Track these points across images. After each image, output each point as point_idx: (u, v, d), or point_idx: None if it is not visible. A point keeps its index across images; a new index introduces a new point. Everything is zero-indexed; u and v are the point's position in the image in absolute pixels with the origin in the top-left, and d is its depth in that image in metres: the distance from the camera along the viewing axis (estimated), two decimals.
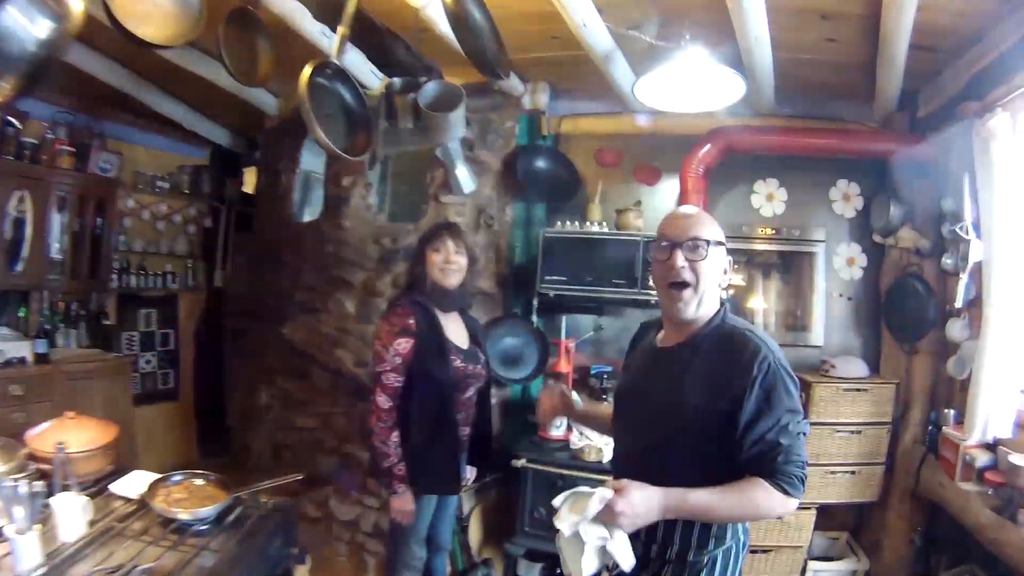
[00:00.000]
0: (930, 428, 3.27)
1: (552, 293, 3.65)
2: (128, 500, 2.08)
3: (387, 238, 3.93)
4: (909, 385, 3.53)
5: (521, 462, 3.32)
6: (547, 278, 3.66)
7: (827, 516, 3.60)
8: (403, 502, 2.47)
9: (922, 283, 3.44)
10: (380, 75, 3.17)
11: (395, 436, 2.44)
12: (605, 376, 3.71)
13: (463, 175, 3.36)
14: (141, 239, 5.11)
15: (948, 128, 3.20)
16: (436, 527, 2.74)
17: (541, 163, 3.98)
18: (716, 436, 1.51)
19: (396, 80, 2.77)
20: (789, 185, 3.98)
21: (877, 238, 3.76)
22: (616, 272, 3.57)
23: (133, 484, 2.15)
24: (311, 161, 3.15)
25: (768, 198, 3.99)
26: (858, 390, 3.47)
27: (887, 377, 3.63)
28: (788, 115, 3.85)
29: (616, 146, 4.15)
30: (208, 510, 1.95)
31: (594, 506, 1.44)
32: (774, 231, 3.95)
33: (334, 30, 2.65)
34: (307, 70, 2.37)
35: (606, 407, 1.99)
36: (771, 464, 1.45)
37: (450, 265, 2.58)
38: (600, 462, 3.23)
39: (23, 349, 4.04)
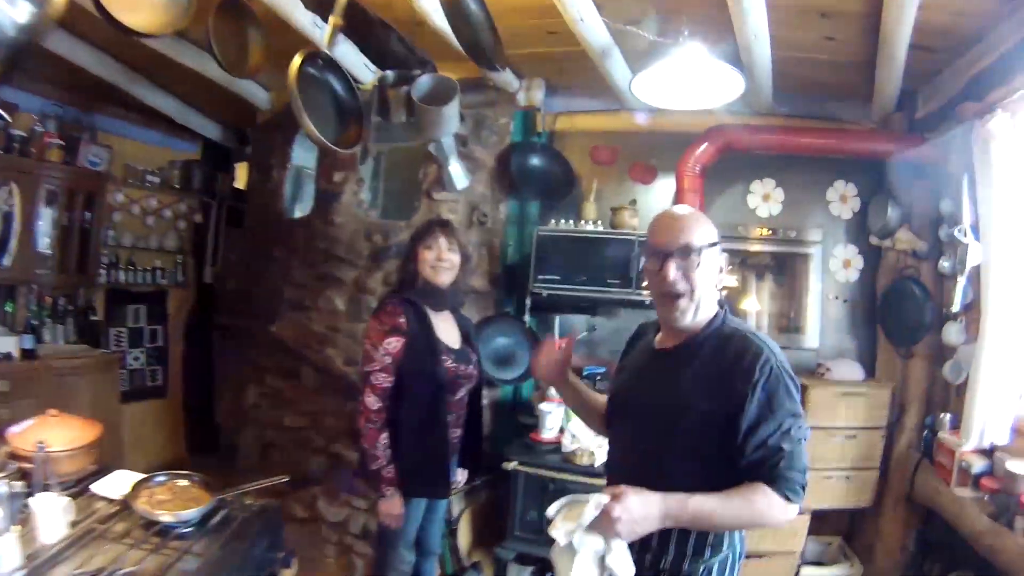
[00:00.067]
0: (925, 433, 3.23)
1: (545, 293, 3.61)
2: (111, 501, 2.03)
3: (378, 235, 3.89)
4: (904, 389, 3.51)
5: (512, 465, 3.27)
6: (540, 277, 3.62)
7: (820, 521, 3.57)
8: (391, 506, 2.42)
9: (919, 286, 3.42)
10: (373, 68, 3.12)
11: (384, 438, 2.38)
12: (599, 377, 3.67)
13: (456, 171, 3.32)
14: (130, 234, 5.05)
15: (947, 129, 3.17)
16: (425, 530, 2.69)
17: (536, 160, 3.94)
18: (716, 440, 1.47)
19: (389, 73, 2.73)
20: (786, 185, 3.96)
21: (874, 240, 3.74)
22: (611, 272, 3.53)
23: (116, 484, 2.09)
24: (303, 156, 3.12)
25: (764, 198, 3.97)
26: (854, 394, 3.44)
27: (882, 381, 3.61)
28: (785, 114, 3.82)
29: (612, 144, 4.12)
30: (191, 512, 1.90)
31: (589, 513, 1.39)
32: (770, 231, 3.93)
33: (326, 20, 2.60)
34: (297, 60, 2.32)
35: (599, 396, 1.93)
36: (773, 470, 1.41)
37: (442, 263, 2.52)
38: (592, 465, 3.18)
39: (9, 345, 3.99)
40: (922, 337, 3.39)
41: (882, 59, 3.02)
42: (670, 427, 1.52)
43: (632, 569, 1.42)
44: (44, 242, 4.26)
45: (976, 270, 2.95)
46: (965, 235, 3.00)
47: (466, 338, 2.68)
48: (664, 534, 1.48)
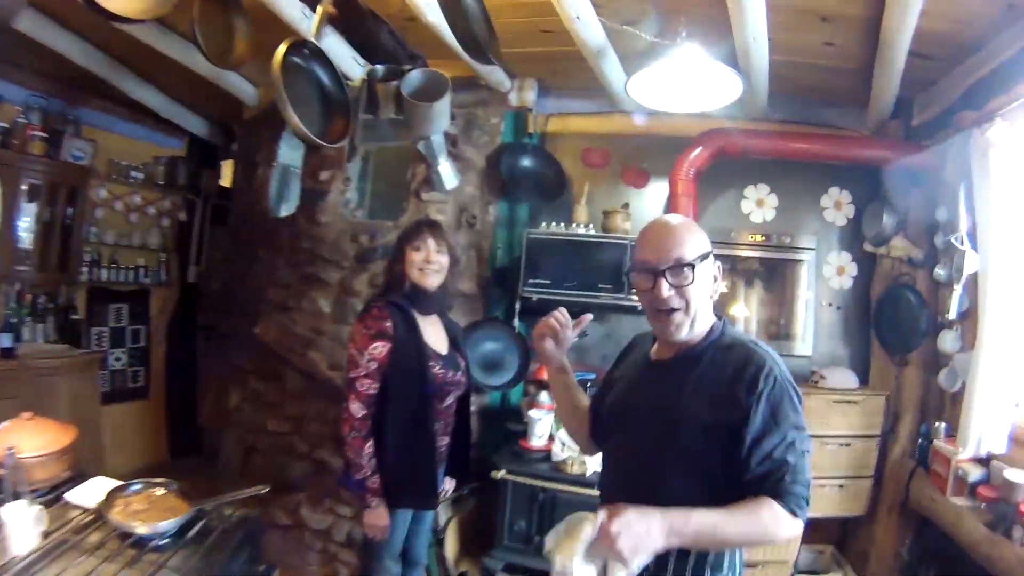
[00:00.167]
0: (920, 441, 3.22)
1: (535, 297, 3.56)
2: (86, 510, 1.95)
3: (365, 235, 3.82)
4: (898, 397, 3.49)
5: (501, 473, 3.22)
6: (530, 281, 3.57)
7: (813, 529, 3.52)
8: (377, 517, 2.34)
9: (914, 293, 3.41)
10: (362, 63, 3.05)
11: (369, 447, 2.30)
12: (588, 383, 3.60)
13: (446, 171, 3.26)
14: (113, 231, 4.96)
15: (946, 137, 3.17)
16: (411, 541, 2.61)
17: (527, 162, 3.90)
18: (718, 453, 1.41)
19: (378, 67, 2.66)
20: (780, 191, 3.94)
21: (868, 247, 3.72)
22: (602, 276, 3.50)
23: (92, 492, 2.01)
24: (289, 154, 3.04)
25: (758, 204, 3.94)
26: (848, 402, 3.43)
27: (877, 389, 3.59)
28: (779, 119, 3.80)
29: (604, 147, 4.08)
30: (168, 524, 1.82)
31: (587, 533, 1.31)
32: (764, 237, 3.89)
33: (314, 10, 2.53)
34: (282, 48, 2.24)
35: (586, 400, 1.86)
36: (779, 484, 1.36)
37: (430, 265, 2.45)
38: (584, 475, 3.13)
39: None
40: (918, 345, 3.38)
41: (880, 65, 3.01)
42: (670, 440, 1.46)
43: None
44: (25, 238, 4.18)
45: (972, 278, 2.94)
46: (962, 243, 2.99)
47: (454, 343, 2.61)
48: (662, 556, 1.42)
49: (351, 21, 2.71)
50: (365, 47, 2.94)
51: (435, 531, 3.21)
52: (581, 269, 3.52)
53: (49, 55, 3.64)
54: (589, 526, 1.31)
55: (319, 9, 2.45)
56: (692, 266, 1.48)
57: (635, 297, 3.41)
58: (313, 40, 2.44)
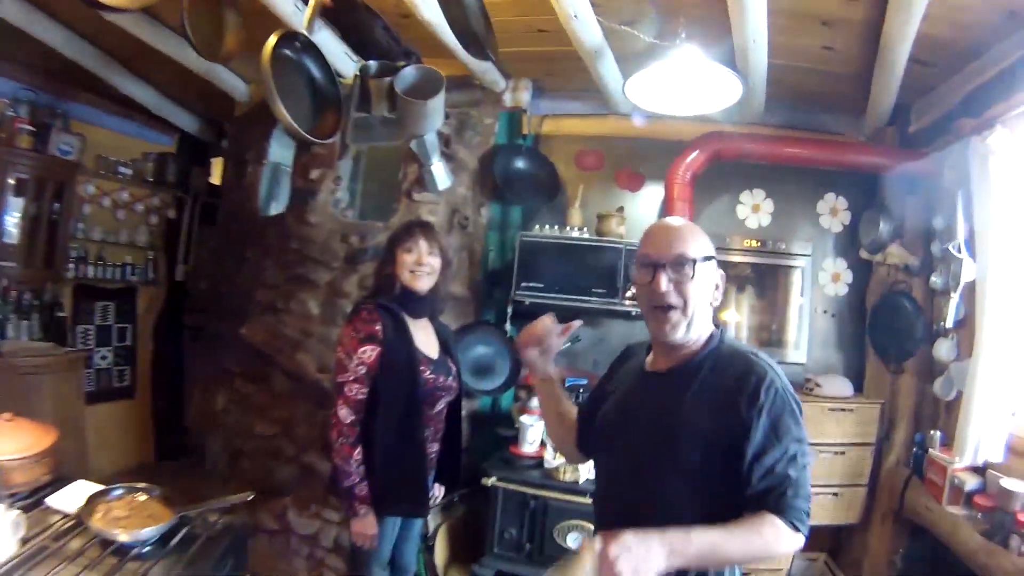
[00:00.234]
0: (915, 450, 3.20)
1: (528, 301, 3.52)
2: (66, 515, 1.88)
3: (355, 236, 3.76)
4: (893, 405, 3.48)
5: (491, 480, 3.17)
6: (523, 284, 3.53)
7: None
8: (365, 525, 2.28)
9: (910, 301, 3.39)
10: (355, 59, 2.99)
11: (357, 453, 2.24)
12: (580, 389, 3.56)
13: (439, 171, 3.22)
14: (100, 228, 4.87)
15: (944, 144, 3.16)
16: (400, 548, 2.55)
17: (520, 163, 3.87)
18: (718, 467, 1.37)
19: (372, 63, 2.60)
20: (776, 197, 3.93)
21: (864, 254, 3.71)
22: (596, 280, 3.47)
23: (73, 496, 1.94)
24: (280, 152, 2.99)
25: (754, 209, 3.93)
26: (843, 410, 3.41)
27: (871, 396, 3.58)
28: (775, 124, 3.79)
29: (598, 149, 4.05)
30: (150, 531, 1.77)
31: (586, 561, 1.25)
32: (759, 243, 3.86)
33: (307, 3, 2.47)
34: (272, 39, 2.19)
35: (574, 409, 1.82)
36: (781, 499, 1.33)
37: (422, 267, 2.39)
38: (576, 482, 3.09)
39: None
40: (913, 353, 3.36)
41: (880, 71, 3.00)
42: (669, 454, 1.42)
43: None
44: (10, 233, 4.11)
45: (969, 286, 2.92)
46: (959, 251, 2.97)
47: (445, 347, 2.55)
48: None
49: (345, 14, 2.65)
50: (358, 42, 2.88)
51: (424, 538, 3.17)
52: (574, 273, 3.48)
53: (38, 47, 3.59)
54: (588, 554, 1.25)
55: (312, 0, 2.39)
56: (693, 262, 1.45)
57: (629, 302, 3.39)
58: (305, 32, 2.38)
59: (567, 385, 3.61)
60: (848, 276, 3.84)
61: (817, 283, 3.86)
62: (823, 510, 3.41)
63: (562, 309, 3.47)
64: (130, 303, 5.18)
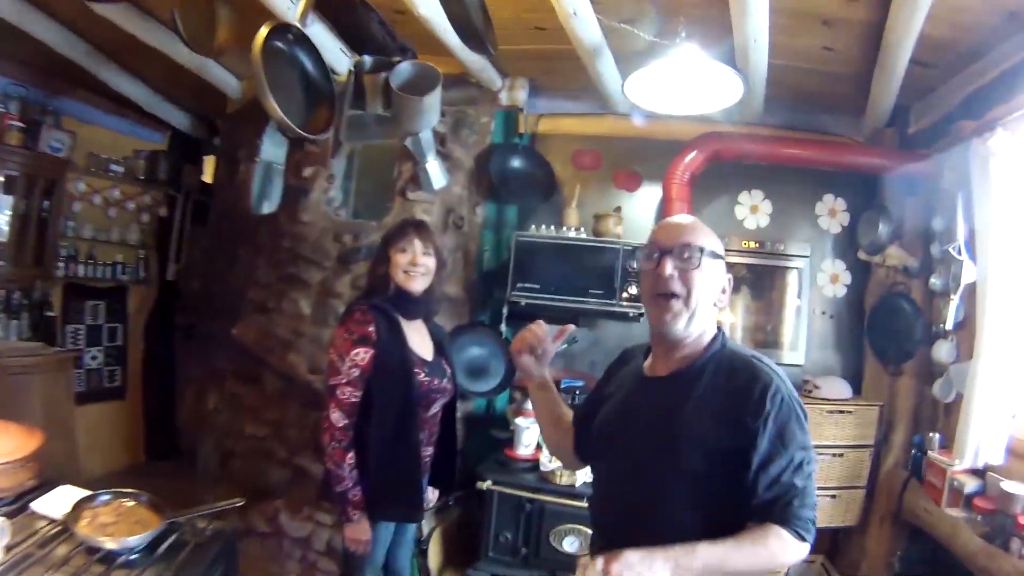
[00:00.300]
0: (914, 452, 3.19)
1: (524, 302, 3.48)
2: (52, 521, 1.84)
3: (348, 235, 3.71)
4: (892, 407, 3.47)
5: (487, 484, 3.13)
6: (519, 285, 3.49)
7: None
8: (359, 531, 2.24)
9: (909, 303, 3.38)
10: (349, 55, 2.95)
11: (351, 458, 2.20)
12: (577, 391, 3.53)
13: (434, 169, 3.18)
14: (91, 226, 4.85)
15: (944, 146, 3.15)
16: (394, 552, 2.51)
17: (516, 163, 3.83)
18: (721, 476, 1.34)
19: (367, 58, 2.56)
20: (774, 197, 3.90)
21: (863, 255, 3.70)
22: (593, 281, 3.43)
23: (60, 501, 1.89)
24: (272, 150, 2.95)
25: (752, 210, 3.90)
26: (842, 412, 3.39)
27: (869, 398, 3.56)
28: (774, 124, 3.77)
29: (595, 148, 4.02)
30: (137, 539, 1.72)
31: None
32: (757, 244, 3.84)
33: None
34: (263, 31, 2.13)
35: (570, 413, 1.79)
36: (787, 509, 1.30)
37: (416, 268, 2.35)
38: (573, 485, 3.06)
39: None
40: (912, 355, 3.35)
41: (880, 71, 2.99)
42: (670, 462, 1.38)
43: None
44: (0, 231, 4.09)
45: (969, 288, 2.91)
46: (959, 252, 2.96)
47: (440, 349, 2.51)
48: None
49: (340, 8, 2.61)
50: (353, 37, 2.84)
51: (418, 541, 3.12)
52: (571, 274, 3.45)
53: (29, 43, 3.56)
54: (590, 574, 1.21)
55: None
56: (700, 250, 1.43)
57: (626, 303, 3.35)
58: (297, 25, 2.32)
59: (563, 387, 3.59)
60: (847, 277, 3.82)
61: (815, 284, 3.84)
62: (821, 512, 3.30)
63: (558, 310, 3.45)
64: (121, 302, 5.16)
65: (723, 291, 1.50)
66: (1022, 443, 2.69)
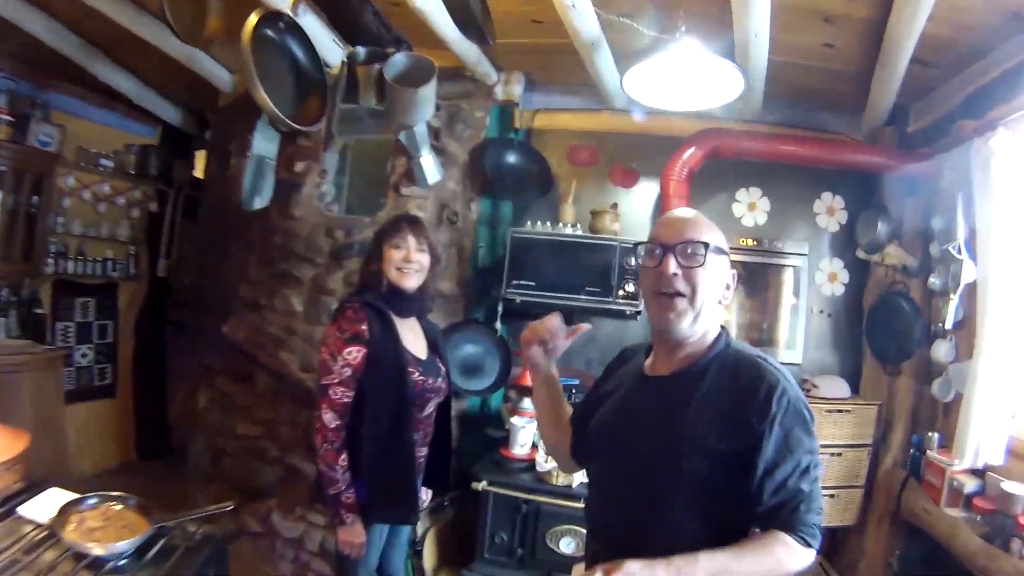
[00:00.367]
0: (912, 451, 3.17)
1: (519, 299, 3.44)
2: (39, 525, 1.79)
3: (340, 231, 3.67)
4: (890, 406, 3.44)
5: (482, 485, 3.10)
6: (514, 282, 3.45)
7: None
8: (352, 533, 2.20)
9: (908, 302, 3.35)
10: (343, 47, 2.90)
11: (343, 459, 2.15)
12: (572, 390, 3.49)
13: (428, 164, 3.14)
14: (80, 221, 4.79)
15: (943, 146, 3.14)
16: (388, 554, 2.47)
17: (512, 158, 3.78)
18: (724, 481, 1.31)
19: (360, 49, 2.51)
20: (772, 195, 3.87)
21: (861, 254, 3.67)
22: (589, 278, 3.39)
23: (47, 505, 1.85)
24: (264, 145, 2.91)
25: (750, 207, 3.88)
26: (840, 411, 3.36)
27: (868, 397, 3.54)
28: (774, 122, 3.74)
29: (591, 144, 3.99)
30: (125, 544, 1.69)
31: None
32: (755, 242, 3.82)
33: None
34: (253, 18, 2.08)
35: (570, 410, 1.75)
36: (793, 515, 1.27)
37: (410, 264, 2.30)
38: (570, 486, 3.03)
39: None
40: (911, 354, 3.32)
41: (881, 70, 2.97)
42: (671, 466, 1.34)
43: None
44: None
45: (969, 288, 2.89)
46: (959, 252, 2.94)
47: (434, 348, 2.47)
48: None
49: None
50: (347, 28, 2.78)
51: (413, 542, 3.09)
52: (567, 271, 3.41)
53: (18, 35, 3.51)
54: None
55: None
56: (705, 246, 1.38)
57: (623, 301, 3.32)
58: (289, 12, 2.27)
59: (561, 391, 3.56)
60: (845, 276, 3.80)
61: (813, 283, 3.82)
62: None
63: (554, 308, 3.40)
64: (111, 299, 5.09)
65: (727, 287, 1.46)
66: (1022, 443, 2.68)
